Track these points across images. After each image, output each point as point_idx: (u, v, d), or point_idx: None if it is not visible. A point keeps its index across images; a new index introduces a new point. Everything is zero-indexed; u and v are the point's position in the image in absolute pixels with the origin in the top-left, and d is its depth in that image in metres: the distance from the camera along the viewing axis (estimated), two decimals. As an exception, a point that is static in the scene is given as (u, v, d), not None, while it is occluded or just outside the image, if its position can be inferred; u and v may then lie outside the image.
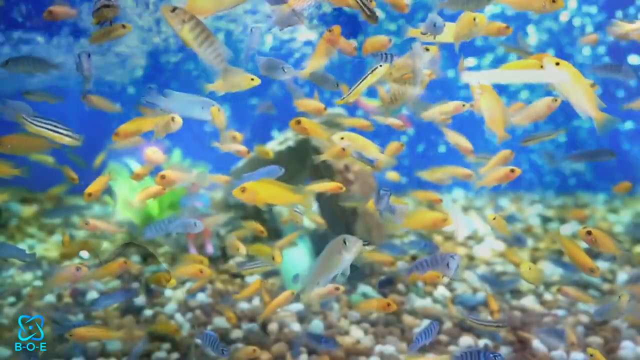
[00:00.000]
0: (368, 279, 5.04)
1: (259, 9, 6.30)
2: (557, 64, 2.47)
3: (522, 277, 3.26)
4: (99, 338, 3.29)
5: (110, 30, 3.04)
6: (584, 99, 2.51)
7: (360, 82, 2.93)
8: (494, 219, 3.27)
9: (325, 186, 3.59)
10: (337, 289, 3.40)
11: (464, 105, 3.26)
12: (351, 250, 2.42)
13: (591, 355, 3.03)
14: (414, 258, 5.21)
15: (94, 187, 3.20)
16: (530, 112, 3.09)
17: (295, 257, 5.02)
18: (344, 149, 3.13)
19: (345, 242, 2.43)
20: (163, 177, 3.20)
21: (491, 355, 2.71)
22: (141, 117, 3.10)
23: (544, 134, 3.48)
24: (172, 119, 2.98)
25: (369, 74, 2.91)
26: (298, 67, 3.13)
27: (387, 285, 4.79)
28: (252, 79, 2.92)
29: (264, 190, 2.77)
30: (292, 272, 4.16)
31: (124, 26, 3.07)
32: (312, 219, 5.13)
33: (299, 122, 3.12)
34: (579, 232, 2.87)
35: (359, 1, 2.97)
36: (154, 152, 3.47)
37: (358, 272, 5.01)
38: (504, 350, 3.87)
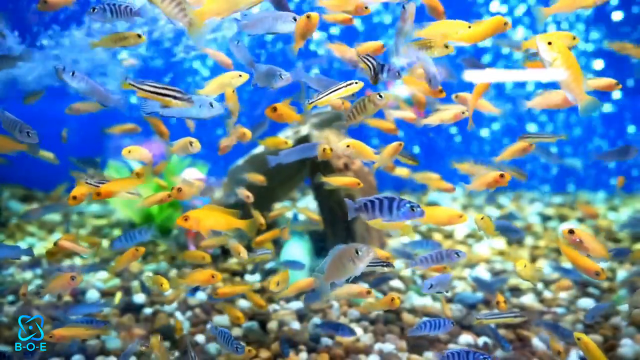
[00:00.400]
0: (367, 278, 5.04)
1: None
2: (550, 43, 2.43)
3: (518, 275, 3.26)
4: (80, 337, 3.32)
5: (123, 37, 3.01)
6: (572, 79, 2.47)
7: (332, 92, 2.94)
8: (482, 218, 3.27)
9: (342, 180, 3.64)
10: (369, 292, 3.46)
11: (463, 113, 3.28)
12: (364, 260, 2.46)
13: (578, 339, 2.98)
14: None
15: (79, 190, 3.08)
16: (547, 98, 3.05)
17: (295, 256, 5.02)
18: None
19: (357, 252, 2.45)
20: (180, 189, 3.23)
21: (480, 356, 2.68)
22: (123, 177, 3.27)
23: (543, 136, 3.47)
24: (190, 143, 3.07)
25: (342, 87, 2.93)
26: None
27: (380, 284, 4.80)
28: (240, 75, 2.92)
29: (206, 218, 2.90)
30: (292, 271, 4.18)
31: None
32: (310, 217, 5.13)
33: (275, 110, 3.19)
34: (562, 232, 2.80)
35: (369, 65, 3.02)
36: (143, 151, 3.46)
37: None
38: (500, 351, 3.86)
